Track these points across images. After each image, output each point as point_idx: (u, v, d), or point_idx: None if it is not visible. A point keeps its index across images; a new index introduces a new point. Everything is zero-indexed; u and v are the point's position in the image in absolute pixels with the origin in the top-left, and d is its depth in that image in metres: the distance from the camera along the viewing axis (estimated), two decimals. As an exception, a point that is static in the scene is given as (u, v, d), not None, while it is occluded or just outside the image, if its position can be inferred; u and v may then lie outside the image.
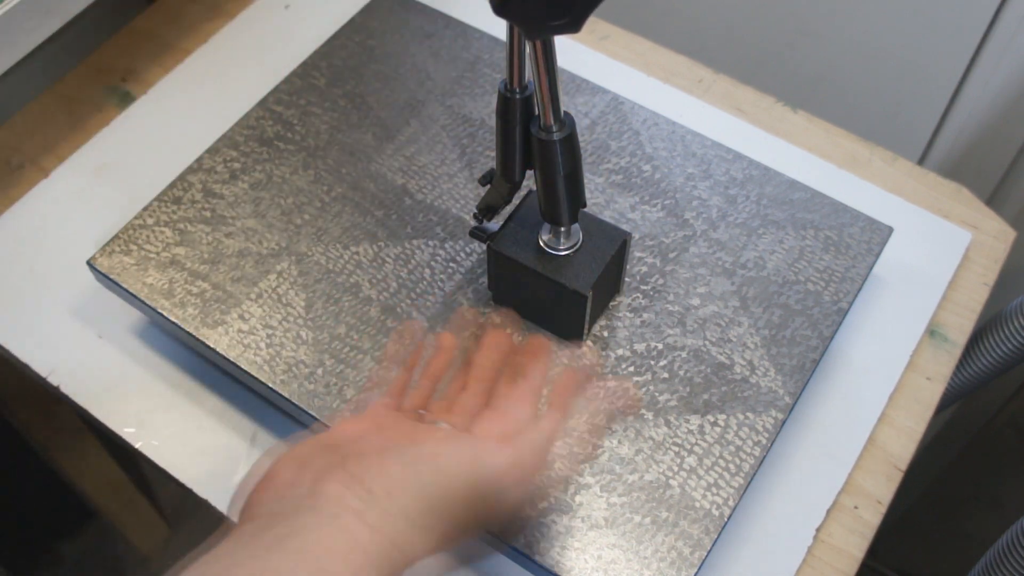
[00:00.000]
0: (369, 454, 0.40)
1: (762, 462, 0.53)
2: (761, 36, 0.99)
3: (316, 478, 0.39)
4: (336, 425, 0.44)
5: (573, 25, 0.40)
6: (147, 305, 0.59)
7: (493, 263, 0.56)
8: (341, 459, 0.40)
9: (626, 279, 0.59)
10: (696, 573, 0.50)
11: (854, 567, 0.57)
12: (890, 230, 0.62)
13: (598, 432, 0.46)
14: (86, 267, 0.61)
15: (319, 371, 0.56)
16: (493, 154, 0.61)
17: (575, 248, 0.54)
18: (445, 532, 0.39)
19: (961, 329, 0.65)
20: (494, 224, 0.55)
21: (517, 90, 0.48)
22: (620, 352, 0.57)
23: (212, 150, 0.65)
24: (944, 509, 1.16)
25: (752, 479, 0.53)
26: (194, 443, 0.60)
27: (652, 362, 0.56)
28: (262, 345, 0.57)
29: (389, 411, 0.47)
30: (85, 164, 0.72)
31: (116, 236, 0.61)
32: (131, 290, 0.59)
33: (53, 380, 0.62)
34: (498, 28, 0.72)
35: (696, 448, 0.53)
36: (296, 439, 0.43)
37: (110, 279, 0.59)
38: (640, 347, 0.57)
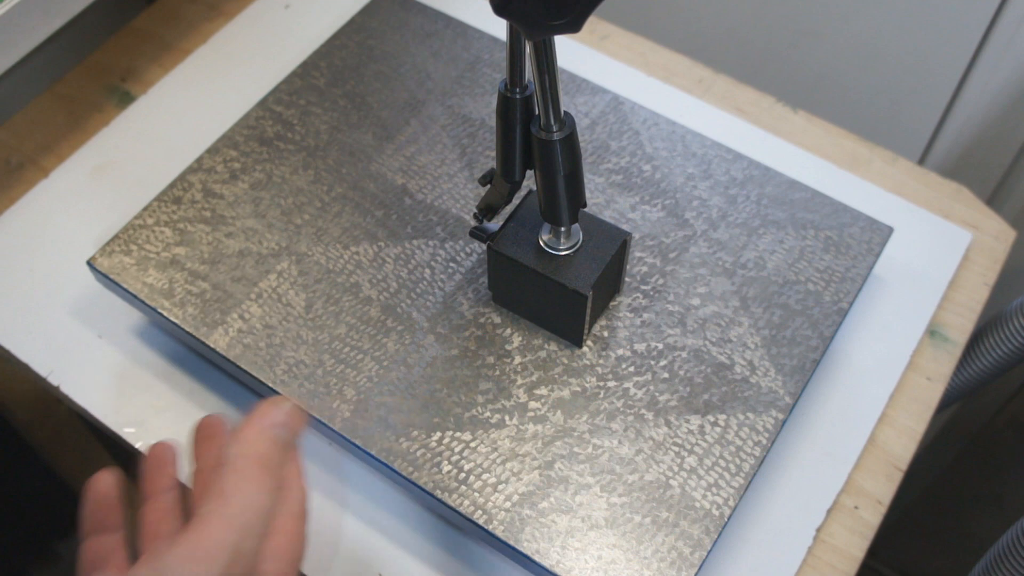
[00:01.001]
0: None
1: (762, 462, 0.53)
2: (761, 36, 0.99)
3: None
4: None
5: (573, 25, 0.40)
6: (147, 305, 0.59)
7: (493, 263, 0.56)
8: None
9: (626, 279, 0.59)
10: (696, 573, 0.50)
11: (854, 567, 0.57)
12: (890, 230, 0.62)
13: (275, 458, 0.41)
14: (86, 267, 0.61)
15: (319, 371, 0.56)
16: (493, 154, 0.61)
17: (575, 248, 0.54)
18: None
19: (961, 329, 0.65)
20: (494, 224, 0.55)
21: (517, 90, 0.48)
22: (620, 352, 0.57)
23: (212, 150, 0.65)
24: (944, 509, 1.16)
25: (752, 479, 0.53)
26: (194, 443, 0.60)
27: (652, 362, 0.56)
28: (262, 345, 0.57)
29: None
30: (85, 164, 0.72)
31: (116, 236, 0.61)
32: (131, 290, 0.59)
33: (53, 380, 0.62)
34: (498, 28, 0.72)
35: (696, 448, 0.53)
36: None
37: (110, 279, 0.59)
38: (640, 347, 0.57)
